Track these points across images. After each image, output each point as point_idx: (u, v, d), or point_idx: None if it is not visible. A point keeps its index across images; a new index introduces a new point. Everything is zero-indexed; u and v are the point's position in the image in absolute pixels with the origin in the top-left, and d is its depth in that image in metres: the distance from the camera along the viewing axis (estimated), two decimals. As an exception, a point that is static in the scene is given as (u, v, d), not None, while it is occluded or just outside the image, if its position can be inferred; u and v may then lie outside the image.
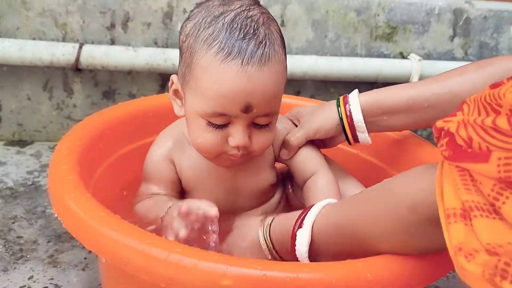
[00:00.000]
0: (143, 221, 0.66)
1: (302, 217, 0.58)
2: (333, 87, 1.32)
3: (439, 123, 0.41)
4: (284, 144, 0.76)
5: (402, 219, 0.47)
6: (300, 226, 0.56)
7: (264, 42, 0.61)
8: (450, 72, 0.71)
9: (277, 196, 0.79)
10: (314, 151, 0.77)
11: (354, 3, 1.24)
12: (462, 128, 0.38)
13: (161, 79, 1.24)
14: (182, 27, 0.68)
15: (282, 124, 0.77)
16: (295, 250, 0.56)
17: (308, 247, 0.55)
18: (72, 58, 1.14)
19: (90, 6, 1.16)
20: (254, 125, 0.65)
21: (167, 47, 1.22)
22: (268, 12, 0.67)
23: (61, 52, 1.14)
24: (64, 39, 1.17)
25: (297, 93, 1.30)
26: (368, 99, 0.73)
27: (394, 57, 1.31)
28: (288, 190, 0.81)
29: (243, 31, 0.60)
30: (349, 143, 0.77)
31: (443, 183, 0.39)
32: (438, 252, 0.49)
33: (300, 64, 1.21)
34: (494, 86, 0.40)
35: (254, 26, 0.61)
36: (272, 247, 0.60)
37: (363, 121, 0.72)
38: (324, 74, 1.24)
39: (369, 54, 1.29)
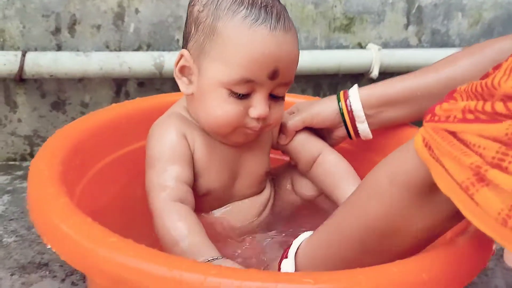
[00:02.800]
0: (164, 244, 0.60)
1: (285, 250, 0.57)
2: (295, 82, 1.29)
3: (438, 109, 0.41)
4: (281, 128, 0.76)
5: (385, 193, 0.46)
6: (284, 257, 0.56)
7: (282, 14, 0.62)
8: (442, 61, 0.73)
9: (266, 192, 0.77)
10: (313, 135, 0.77)
11: (311, -5, 1.21)
12: (467, 113, 0.39)
13: (115, 85, 1.15)
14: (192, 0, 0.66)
15: None
16: None
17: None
18: (14, 68, 1.02)
19: (31, 9, 1.05)
20: (271, 97, 0.64)
21: (120, 50, 1.13)
22: None
23: (1, 62, 1.02)
24: (2, 47, 1.05)
25: (260, 91, 1.26)
26: (366, 91, 0.75)
27: (353, 47, 1.30)
28: (283, 186, 0.80)
29: (263, 3, 0.61)
30: (350, 137, 0.77)
31: (442, 161, 0.38)
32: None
33: (263, 60, 1.17)
34: (483, 77, 0.41)
35: (269, 1, 0.62)
36: None
37: (362, 110, 0.73)
38: (286, 69, 1.21)
39: (329, 46, 1.28)
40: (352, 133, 0.76)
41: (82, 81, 1.12)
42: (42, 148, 0.62)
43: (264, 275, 0.41)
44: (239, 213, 0.71)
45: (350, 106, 0.74)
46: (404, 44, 1.34)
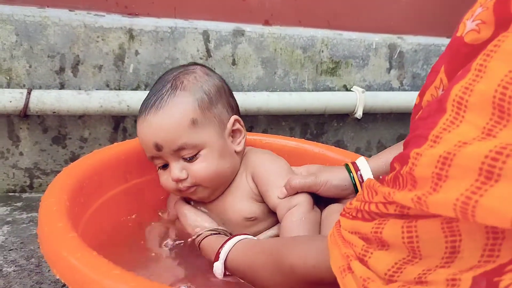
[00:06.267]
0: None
1: (219, 250, 0.67)
2: (284, 121, 1.37)
3: (348, 205, 0.49)
4: (286, 183, 0.76)
5: (284, 274, 0.56)
6: (216, 259, 0.66)
7: (159, 95, 0.75)
8: None
9: (270, 233, 0.78)
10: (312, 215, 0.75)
11: (300, 41, 1.30)
12: (358, 213, 0.47)
13: (113, 122, 1.22)
14: None
15: (283, 165, 0.82)
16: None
17: (223, 276, 0.66)
18: (19, 105, 1.09)
19: (37, 50, 1.12)
20: (186, 160, 0.75)
21: (119, 89, 1.20)
22: (208, 71, 0.81)
23: (7, 99, 1.08)
24: (9, 85, 1.12)
25: (250, 129, 1.33)
26: (375, 162, 0.76)
27: (339, 90, 1.38)
28: None
29: (151, 93, 0.77)
30: None
31: (332, 249, 0.47)
32: None
33: (253, 100, 1.25)
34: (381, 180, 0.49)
35: (159, 87, 0.77)
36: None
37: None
38: (276, 109, 1.28)
39: (316, 88, 1.36)
40: None
41: (82, 118, 1.18)
42: (51, 185, 0.68)
43: None
44: None
45: (361, 176, 0.75)
46: (387, 87, 1.43)
